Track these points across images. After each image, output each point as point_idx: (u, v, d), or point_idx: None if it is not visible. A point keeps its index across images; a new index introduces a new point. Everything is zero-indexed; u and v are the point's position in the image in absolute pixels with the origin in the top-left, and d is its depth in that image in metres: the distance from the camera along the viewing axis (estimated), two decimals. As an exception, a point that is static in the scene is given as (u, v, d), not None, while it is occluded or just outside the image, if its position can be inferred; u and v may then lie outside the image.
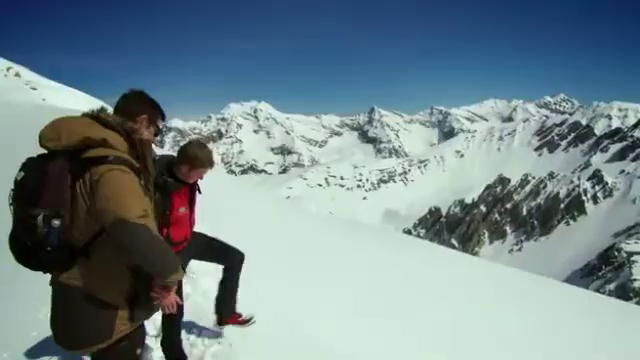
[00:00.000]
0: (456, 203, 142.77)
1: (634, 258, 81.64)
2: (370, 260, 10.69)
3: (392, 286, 8.36)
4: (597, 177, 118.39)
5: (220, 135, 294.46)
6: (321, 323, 5.33)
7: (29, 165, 1.76)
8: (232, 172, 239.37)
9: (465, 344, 6.32)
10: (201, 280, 4.53)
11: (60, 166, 1.73)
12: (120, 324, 1.87)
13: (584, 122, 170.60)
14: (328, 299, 6.46)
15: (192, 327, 3.50)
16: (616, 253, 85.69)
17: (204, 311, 3.72)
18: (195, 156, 2.59)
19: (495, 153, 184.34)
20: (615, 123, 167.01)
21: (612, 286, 77.12)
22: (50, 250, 1.71)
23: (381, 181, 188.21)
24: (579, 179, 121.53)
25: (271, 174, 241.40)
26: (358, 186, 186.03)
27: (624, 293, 72.29)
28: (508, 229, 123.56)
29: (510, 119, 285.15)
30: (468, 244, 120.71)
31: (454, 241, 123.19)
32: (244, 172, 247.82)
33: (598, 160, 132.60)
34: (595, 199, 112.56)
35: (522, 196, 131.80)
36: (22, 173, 1.74)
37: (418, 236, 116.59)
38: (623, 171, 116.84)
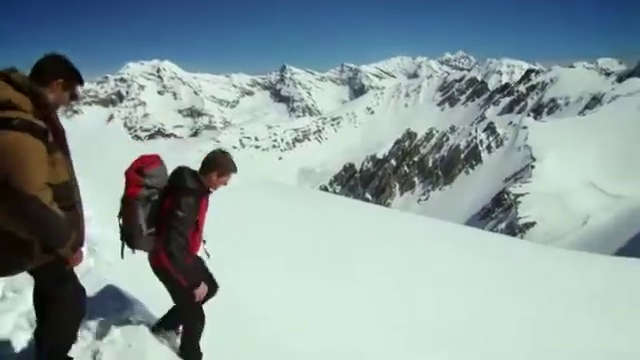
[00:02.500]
0: (368, 158, 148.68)
1: (519, 199, 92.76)
2: (289, 219, 10.42)
3: (319, 244, 8.21)
4: (490, 129, 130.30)
5: (120, 97, 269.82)
6: (251, 289, 4.95)
7: None
8: (138, 137, 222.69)
9: (397, 285, 6.42)
10: (104, 252, 4.33)
11: None
12: (37, 254, 2.08)
13: (480, 78, 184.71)
14: (255, 262, 6.06)
15: (96, 301, 3.19)
16: (506, 196, 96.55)
17: (109, 283, 3.55)
18: (222, 163, 2.78)
19: (403, 109, 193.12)
20: (505, 79, 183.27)
21: (503, 225, 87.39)
22: None
23: (296, 140, 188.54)
24: (476, 131, 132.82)
25: (181, 138, 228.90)
26: (273, 146, 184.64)
27: (512, 230, 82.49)
28: (416, 180, 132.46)
29: (415, 75, 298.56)
30: (381, 197, 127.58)
31: (368, 195, 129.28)
32: (151, 137, 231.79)
33: (491, 113, 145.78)
34: (489, 149, 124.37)
35: (428, 149, 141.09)
36: None
37: (334, 192, 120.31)
38: (511, 122, 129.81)
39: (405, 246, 10.18)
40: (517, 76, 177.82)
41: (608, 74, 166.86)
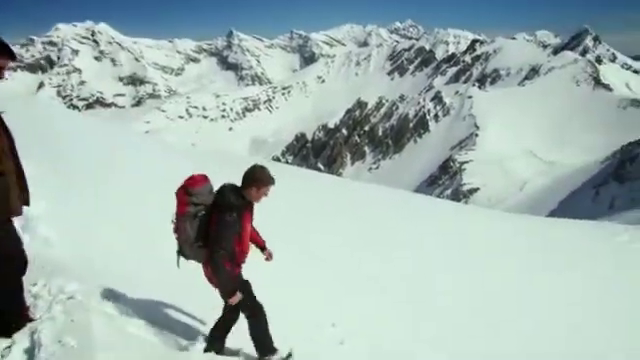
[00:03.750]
0: (320, 128, 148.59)
1: (464, 167, 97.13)
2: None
3: (276, 217, 8.01)
4: (438, 98, 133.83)
5: (51, 63, 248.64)
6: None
7: None
8: (74, 107, 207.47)
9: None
10: (39, 228, 4.16)
11: None
12: None
13: (428, 47, 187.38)
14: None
15: (34, 277, 3.17)
16: (452, 164, 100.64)
17: (47, 259, 3.49)
18: (260, 178, 3.02)
19: (353, 78, 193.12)
20: (451, 49, 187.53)
21: (449, 191, 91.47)
22: None
23: (246, 110, 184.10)
24: (424, 100, 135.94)
25: (123, 107, 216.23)
26: (222, 116, 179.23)
27: (457, 196, 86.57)
28: (367, 150, 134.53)
29: (365, 44, 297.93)
30: (333, 166, 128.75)
31: (320, 165, 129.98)
32: (89, 106, 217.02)
33: (439, 82, 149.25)
34: (436, 118, 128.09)
35: (378, 118, 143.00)
36: None
37: (287, 163, 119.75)
38: (457, 92, 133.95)
39: (360, 217, 10.23)
40: (463, 46, 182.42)
41: (545, 46, 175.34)
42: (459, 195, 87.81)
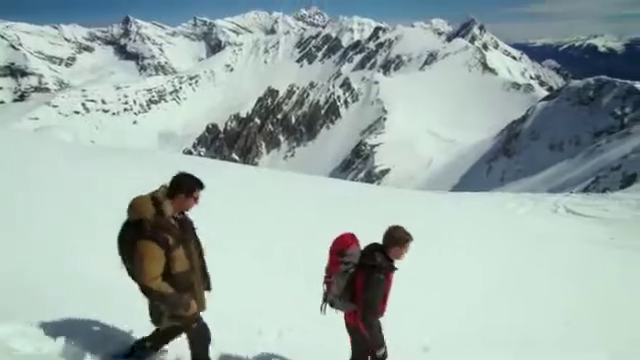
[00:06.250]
0: (232, 118, 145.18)
1: (375, 149, 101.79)
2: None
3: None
4: (346, 84, 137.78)
5: None
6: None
7: (122, 228, 2.92)
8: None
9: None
10: None
11: (129, 233, 2.87)
12: (166, 319, 3.07)
13: (334, 35, 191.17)
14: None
15: None
16: (363, 147, 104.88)
17: None
18: (399, 237, 3.29)
19: (262, 65, 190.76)
20: (356, 36, 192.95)
21: (362, 174, 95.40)
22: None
23: (151, 102, 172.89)
24: (333, 87, 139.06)
25: (3, 103, 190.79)
26: (125, 110, 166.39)
27: (370, 179, 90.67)
28: (281, 138, 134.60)
29: (273, 31, 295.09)
30: (248, 156, 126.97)
31: (235, 155, 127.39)
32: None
33: (346, 69, 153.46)
34: (346, 104, 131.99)
35: (290, 106, 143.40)
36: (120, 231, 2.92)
37: (199, 155, 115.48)
38: (364, 78, 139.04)
39: (270, 206, 10.36)
40: (367, 33, 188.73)
41: (440, 34, 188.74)
42: (372, 177, 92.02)
